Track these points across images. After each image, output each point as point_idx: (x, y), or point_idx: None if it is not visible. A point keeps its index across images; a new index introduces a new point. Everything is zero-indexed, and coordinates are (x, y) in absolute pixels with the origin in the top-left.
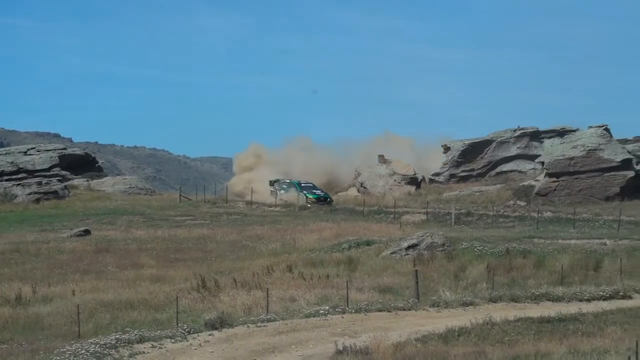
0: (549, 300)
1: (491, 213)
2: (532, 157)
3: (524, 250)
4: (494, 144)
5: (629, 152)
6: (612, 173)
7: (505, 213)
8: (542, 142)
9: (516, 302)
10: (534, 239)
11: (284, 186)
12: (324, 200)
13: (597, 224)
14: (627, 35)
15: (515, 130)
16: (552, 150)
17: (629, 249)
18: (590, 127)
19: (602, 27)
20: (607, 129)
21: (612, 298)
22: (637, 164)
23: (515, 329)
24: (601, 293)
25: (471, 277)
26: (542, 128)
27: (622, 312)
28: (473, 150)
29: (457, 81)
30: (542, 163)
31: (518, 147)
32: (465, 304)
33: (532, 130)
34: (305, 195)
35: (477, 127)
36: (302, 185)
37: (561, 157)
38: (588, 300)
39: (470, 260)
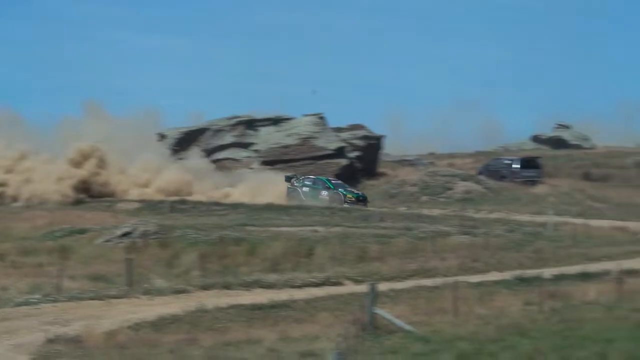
0: (261, 287)
1: (206, 201)
2: (248, 146)
3: (237, 237)
4: (209, 132)
5: (343, 140)
6: (327, 161)
7: (220, 201)
8: (257, 131)
9: (229, 289)
10: (247, 227)
11: (307, 183)
12: (363, 200)
13: (310, 211)
14: (339, 27)
15: (230, 119)
16: (267, 138)
17: (341, 235)
18: (306, 115)
19: (322, 19)
20: (322, 118)
21: (323, 285)
22: (350, 152)
23: (227, 316)
24: (313, 280)
25: (184, 265)
26: (258, 116)
27: (333, 299)
28: (189, 138)
29: (173, 70)
30: (257, 151)
31: (233, 135)
32: (178, 292)
33: (247, 118)
34: (342, 193)
35: (196, 115)
36: (333, 182)
37: (276, 145)
38: (300, 287)
39: (184, 248)
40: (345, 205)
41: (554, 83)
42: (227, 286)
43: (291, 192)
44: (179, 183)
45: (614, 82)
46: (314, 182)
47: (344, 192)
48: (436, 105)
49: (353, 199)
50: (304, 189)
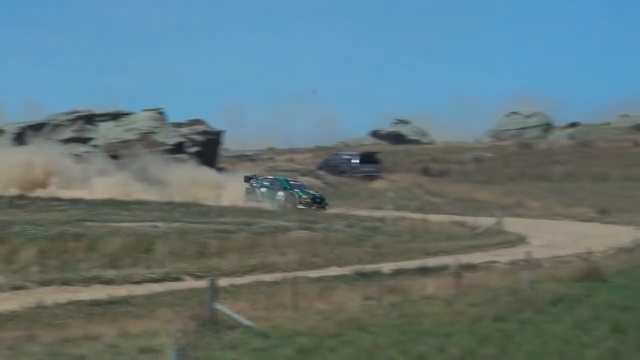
0: (101, 283)
1: (44, 197)
2: (87, 141)
3: (76, 233)
4: (48, 127)
5: (183, 135)
6: (167, 156)
7: (58, 196)
8: (97, 126)
9: (68, 285)
10: (86, 222)
11: (265, 183)
12: (320, 201)
13: (151, 206)
14: (175, 22)
15: (69, 113)
16: (106, 133)
17: (181, 231)
18: (145, 110)
19: (159, 13)
20: (161, 112)
21: (163, 280)
22: (190, 147)
23: (66, 312)
24: (152, 275)
25: (23, 261)
26: (97, 111)
27: (173, 294)
28: (28, 133)
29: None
30: (96, 146)
31: (73, 130)
32: (16, 288)
33: (87, 113)
34: (298, 194)
35: (34, 107)
36: (291, 183)
37: (115, 140)
38: (139, 283)
39: (22, 244)
40: (299, 207)
41: (393, 78)
42: (66, 282)
43: (249, 192)
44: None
45: (453, 78)
46: (272, 182)
47: (300, 193)
48: (275, 100)
49: (308, 200)
50: (262, 189)
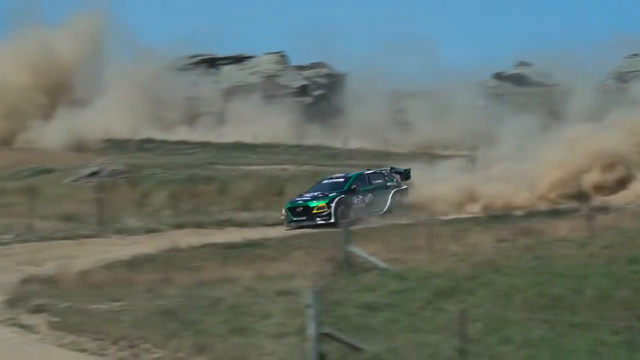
0: (234, 225)
1: (173, 139)
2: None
3: (206, 176)
4: None
5: (306, 78)
6: (291, 99)
7: (186, 139)
8: (219, 69)
9: (201, 228)
10: (216, 165)
11: None
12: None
13: (279, 149)
14: None
15: (193, 57)
16: (230, 76)
17: (312, 173)
18: (267, 53)
19: None
20: (283, 55)
21: None
22: (313, 90)
23: (201, 255)
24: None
25: (155, 204)
26: (219, 55)
27: (306, 237)
28: None
29: None
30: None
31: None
32: (150, 231)
33: (209, 56)
34: None
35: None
36: None
37: (239, 84)
38: (272, 226)
39: (153, 188)
40: None
41: (514, 19)
42: (199, 225)
43: None
44: None
45: (575, 17)
46: None
47: None
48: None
49: None
50: None
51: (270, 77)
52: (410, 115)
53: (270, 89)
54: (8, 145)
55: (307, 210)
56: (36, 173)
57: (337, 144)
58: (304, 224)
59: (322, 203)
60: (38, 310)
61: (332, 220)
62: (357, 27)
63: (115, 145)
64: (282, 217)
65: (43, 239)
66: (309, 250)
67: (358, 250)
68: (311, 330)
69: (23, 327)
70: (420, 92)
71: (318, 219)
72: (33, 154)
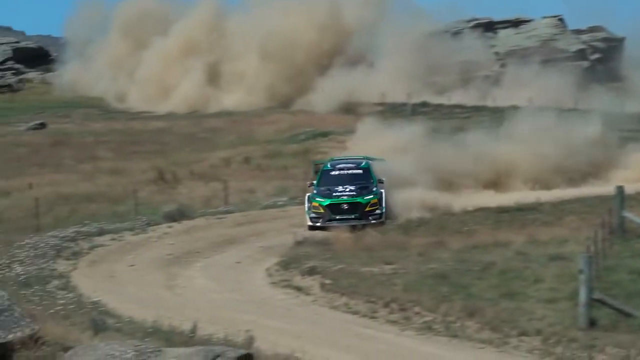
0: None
1: (448, 103)
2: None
3: None
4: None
5: (583, 42)
6: (567, 63)
7: (461, 103)
8: (497, 33)
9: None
10: None
11: None
12: None
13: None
14: None
15: (470, 21)
16: (506, 40)
17: None
18: (545, 17)
19: None
20: (561, 19)
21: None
22: (591, 55)
23: (474, 219)
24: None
25: None
26: (496, 18)
27: (580, 202)
28: None
29: None
30: (497, 53)
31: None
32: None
33: (486, 20)
34: None
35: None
36: None
37: (516, 48)
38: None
39: None
40: None
41: None
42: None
43: None
44: None
45: None
46: None
47: None
48: None
49: None
50: None
51: (547, 41)
52: None
53: (547, 53)
54: (287, 108)
55: (357, 207)
56: (313, 136)
57: (615, 108)
58: (352, 223)
59: (374, 199)
60: (311, 272)
61: (383, 220)
62: None
63: (391, 109)
64: (312, 214)
65: None
66: (582, 215)
67: (632, 215)
68: (582, 295)
69: (297, 288)
70: None
71: (370, 217)
72: (309, 117)
